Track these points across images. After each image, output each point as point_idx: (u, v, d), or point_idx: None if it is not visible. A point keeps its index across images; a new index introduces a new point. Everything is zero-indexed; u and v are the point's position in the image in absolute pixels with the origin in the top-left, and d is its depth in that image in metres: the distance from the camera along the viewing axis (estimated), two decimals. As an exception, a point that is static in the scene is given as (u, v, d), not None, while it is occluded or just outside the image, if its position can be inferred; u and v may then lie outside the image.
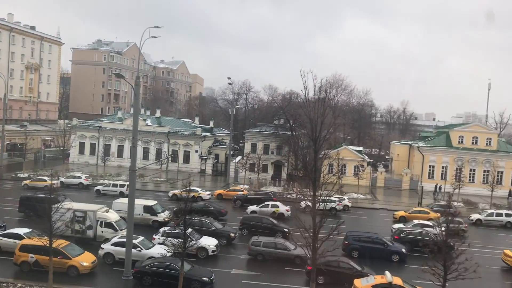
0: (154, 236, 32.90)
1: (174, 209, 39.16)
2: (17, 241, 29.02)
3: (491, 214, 49.91)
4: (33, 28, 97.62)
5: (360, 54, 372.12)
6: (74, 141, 79.75)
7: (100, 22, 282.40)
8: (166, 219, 39.33)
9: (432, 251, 21.65)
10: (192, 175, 66.02)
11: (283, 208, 46.25)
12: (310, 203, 42.14)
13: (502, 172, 71.60)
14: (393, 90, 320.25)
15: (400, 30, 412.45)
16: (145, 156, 78.11)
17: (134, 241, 29.56)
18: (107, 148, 78.59)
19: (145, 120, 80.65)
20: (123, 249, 28.27)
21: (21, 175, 61.94)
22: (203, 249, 32.00)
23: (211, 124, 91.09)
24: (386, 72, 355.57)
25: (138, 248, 29.44)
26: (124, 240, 29.39)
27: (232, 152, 74.42)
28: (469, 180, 71.55)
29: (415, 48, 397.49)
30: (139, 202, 40.16)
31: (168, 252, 29.18)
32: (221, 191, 57.11)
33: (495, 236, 44.80)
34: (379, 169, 76.89)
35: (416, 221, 42.48)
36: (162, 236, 31.59)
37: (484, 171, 72.46)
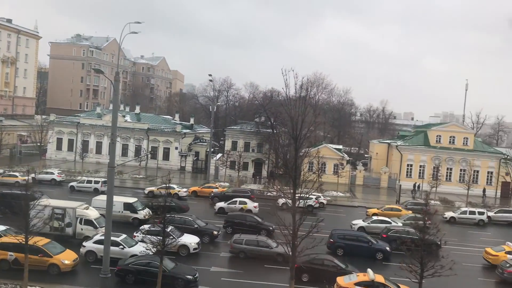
0: (135, 234, 32.60)
1: (149, 205, 39.19)
2: (-6, 239, 28.40)
3: (464, 212, 50.86)
4: (9, 21, 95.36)
5: (341, 53, 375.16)
6: (52, 137, 78.37)
7: (79, 16, 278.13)
8: (147, 217, 38.99)
9: (409, 249, 21.93)
10: (172, 172, 65.59)
11: (251, 205, 46.31)
12: (288, 201, 42.36)
13: (478, 171, 73.05)
14: (373, 89, 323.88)
15: (380, 29, 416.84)
16: (124, 152, 77.23)
17: (116, 239, 29.34)
18: (85, 144, 77.42)
19: (124, 116, 79.78)
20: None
21: (-4, 171, 60.59)
22: (185, 247, 31.85)
23: (192, 121, 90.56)
24: (366, 71, 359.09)
25: (121, 246, 29.13)
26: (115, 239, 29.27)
27: (212, 149, 74.19)
28: (446, 179, 72.79)
29: (395, 48, 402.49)
30: (119, 199, 39.82)
31: (147, 250, 28.90)
32: (196, 188, 56.72)
33: (471, 234, 45.68)
34: (358, 168, 77.63)
35: (374, 217, 43.39)
36: (142, 233, 31.31)
37: (461, 170, 73.80)
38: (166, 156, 78.19)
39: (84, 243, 29.91)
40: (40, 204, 26.65)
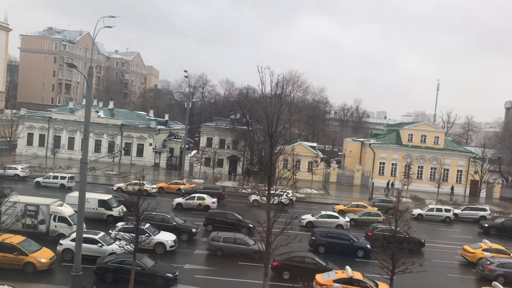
0: (110, 231, 32.18)
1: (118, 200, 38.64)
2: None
3: (431, 210, 52.02)
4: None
5: (316, 52, 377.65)
6: (22, 132, 76.62)
7: (51, 9, 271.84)
8: (122, 214, 38.54)
9: (382, 246, 22.34)
10: (146, 168, 65.13)
11: (209, 201, 46.40)
12: (259, 198, 42.68)
13: (448, 170, 74.81)
14: (347, 88, 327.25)
15: (354, 29, 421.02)
16: (97, 148, 76.19)
17: (94, 236, 29.00)
18: (57, 139, 76.07)
19: (97, 111, 78.64)
20: (84, 245, 27.64)
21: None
22: (161, 244, 31.66)
23: (166, 117, 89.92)
24: (340, 70, 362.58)
25: (99, 244, 28.74)
26: (85, 235, 28.79)
27: (187, 146, 73.81)
28: (417, 177, 74.30)
29: (369, 47, 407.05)
30: (94, 196, 39.41)
31: (120, 247, 28.57)
32: (162, 184, 56.27)
33: (441, 231, 46.76)
34: (332, 165, 78.49)
35: (323, 212, 44.00)
36: (119, 231, 30.92)
37: (432, 168, 75.43)
38: (140, 153, 77.43)
39: (61, 241, 29.36)
40: (10, 201, 25.99)
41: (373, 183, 66.81)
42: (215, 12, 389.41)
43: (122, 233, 26.82)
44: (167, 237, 32.37)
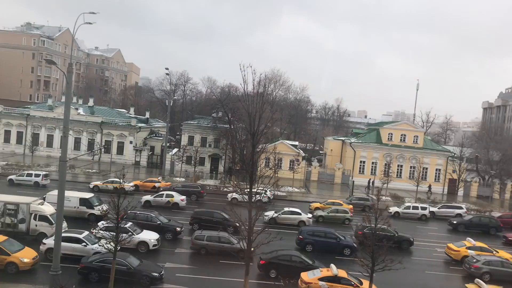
0: (92, 230, 31.78)
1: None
2: None
3: (408, 208, 52.85)
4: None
5: (298, 50, 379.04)
6: (-1, 129, 75.22)
7: (29, 4, 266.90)
8: (104, 212, 38.10)
9: (361, 243, 22.58)
10: (126, 167, 64.54)
11: (178, 198, 46.25)
12: (237, 196, 42.68)
13: (427, 168, 75.95)
14: (328, 87, 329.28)
15: (337, 28, 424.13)
16: (77, 146, 75.27)
17: (79, 235, 28.66)
18: (35, 137, 74.82)
19: (77, 109, 77.64)
20: (68, 244, 27.44)
21: None
22: (144, 243, 31.42)
23: (147, 115, 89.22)
24: (322, 69, 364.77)
25: (83, 243, 28.37)
26: (69, 234, 28.54)
27: (168, 144, 73.34)
28: (397, 175, 75.26)
29: (350, 47, 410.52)
30: (75, 195, 39.00)
31: (99, 246, 28.25)
32: (137, 182, 55.78)
33: (419, 228, 47.43)
34: (313, 164, 78.96)
35: (286, 208, 44.22)
36: (100, 230, 30.54)
37: (411, 167, 76.47)
38: (120, 151, 76.72)
39: (44, 240, 28.86)
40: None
41: (353, 181, 67.41)
42: (196, 9, 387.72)
43: (104, 232, 26.43)
44: (150, 236, 32.13)
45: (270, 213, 43.08)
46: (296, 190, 63.95)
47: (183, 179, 63.41)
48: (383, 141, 78.25)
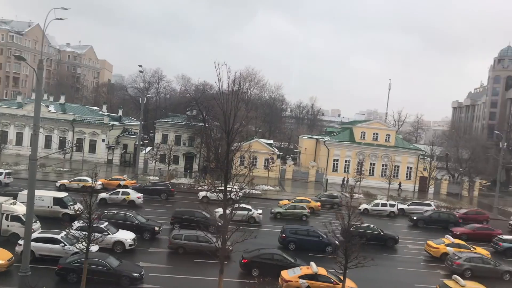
0: (67, 230, 31.11)
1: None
2: None
3: (377, 205, 53.79)
4: None
5: (273, 49, 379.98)
6: (-35, 127, 72.99)
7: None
8: (78, 212, 37.40)
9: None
10: (99, 165, 63.54)
11: (134, 196, 45.89)
12: (208, 194, 42.46)
13: (398, 166, 77.33)
14: (303, 86, 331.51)
15: (310, 27, 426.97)
16: (48, 144, 73.78)
17: (56, 236, 28.07)
18: (4, 135, 73.02)
19: (48, 106, 76.01)
20: (45, 245, 26.96)
21: None
22: (120, 243, 31.02)
23: (120, 112, 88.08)
24: (297, 68, 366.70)
25: (62, 244, 27.76)
26: (46, 235, 27.97)
27: (141, 142, 72.53)
28: (369, 173, 76.38)
29: (325, 47, 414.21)
30: (49, 194, 38.30)
31: (71, 246, 27.74)
32: (102, 180, 54.80)
33: (390, 225, 48.18)
34: (288, 162, 79.42)
35: (236, 205, 43.96)
36: (76, 230, 29.96)
37: (383, 165, 77.74)
38: (92, 149, 75.52)
39: (20, 241, 27.98)
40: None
41: (327, 179, 68.13)
42: (171, 6, 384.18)
43: (77, 231, 25.96)
44: (126, 236, 31.74)
45: (220, 210, 42.90)
46: (271, 188, 64.19)
47: (157, 178, 62.85)
48: (356, 139, 79.27)
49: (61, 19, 29.63)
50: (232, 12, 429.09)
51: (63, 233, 28.89)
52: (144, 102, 68.21)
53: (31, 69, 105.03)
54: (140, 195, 46.54)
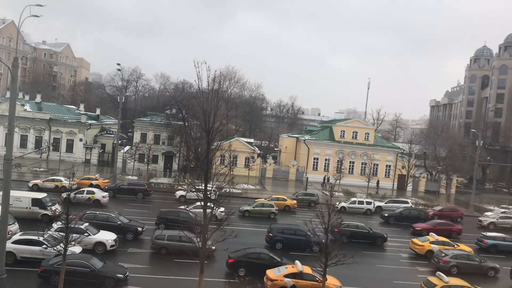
0: (47, 232, 30.41)
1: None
2: None
3: (353, 202, 54.43)
4: None
5: (253, 48, 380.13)
6: None
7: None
8: (57, 213, 36.63)
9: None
10: (76, 165, 62.58)
11: (99, 195, 45.51)
12: (184, 193, 41.97)
13: (377, 165, 78.12)
14: (283, 85, 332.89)
15: (291, 27, 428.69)
16: (23, 144, 72.37)
17: (39, 237, 27.50)
18: (-23, 134, 71.17)
19: (23, 105, 74.45)
20: (27, 247, 26.48)
21: None
22: (101, 244, 30.58)
23: (98, 111, 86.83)
24: (277, 67, 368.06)
25: (44, 245, 27.13)
26: (28, 237, 27.45)
27: (120, 141, 71.64)
28: (349, 171, 77.00)
29: (305, 46, 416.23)
30: (27, 195, 37.67)
31: (48, 247, 27.16)
32: (75, 180, 54.26)
33: (368, 223, 48.61)
34: (268, 161, 79.48)
35: (198, 203, 43.70)
36: (56, 231, 29.32)
37: (362, 163, 78.46)
38: (69, 148, 74.31)
39: None
40: None
41: (307, 178, 68.41)
42: (150, 4, 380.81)
43: (56, 233, 25.40)
44: (107, 237, 31.31)
45: (183, 207, 42.74)
46: (252, 187, 64.12)
47: (136, 178, 62.16)
48: (336, 138, 79.80)
49: (36, 16, 28.95)
50: (212, 11, 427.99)
51: (46, 234, 28.34)
52: (123, 100, 67.52)
53: (5, 67, 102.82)
54: (106, 194, 46.05)
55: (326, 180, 71.12)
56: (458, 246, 37.14)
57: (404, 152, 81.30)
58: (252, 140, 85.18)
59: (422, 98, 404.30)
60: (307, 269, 26.46)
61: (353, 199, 56.04)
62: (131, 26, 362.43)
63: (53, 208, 36.69)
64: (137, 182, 54.37)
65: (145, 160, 64.52)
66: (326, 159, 78.83)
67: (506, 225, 51.20)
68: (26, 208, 36.60)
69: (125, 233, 34.17)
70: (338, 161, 77.26)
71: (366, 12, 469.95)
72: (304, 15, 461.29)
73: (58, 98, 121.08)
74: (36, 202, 37.30)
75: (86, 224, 31.47)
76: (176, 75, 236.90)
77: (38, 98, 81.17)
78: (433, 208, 56.26)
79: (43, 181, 49.90)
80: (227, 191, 23.77)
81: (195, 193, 22.80)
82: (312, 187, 66.58)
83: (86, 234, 29.12)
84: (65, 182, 48.76)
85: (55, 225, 30.68)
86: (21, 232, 29.10)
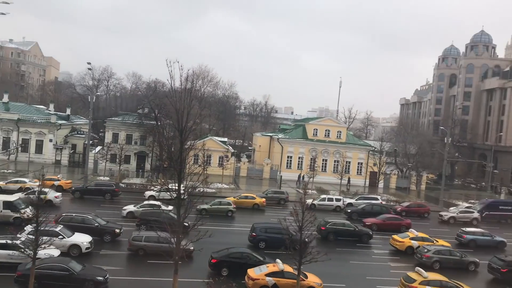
0: (18, 235, 29.61)
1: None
2: None
3: (323, 199, 55.05)
4: None
5: (226, 47, 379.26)
6: None
7: None
8: (30, 216, 35.66)
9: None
10: (46, 166, 61.28)
11: (51, 195, 44.16)
12: (155, 193, 41.81)
13: (349, 162, 79.09)
14: (257, 84, 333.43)
15: (263, 26, 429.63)
16: (-10, 145, 70.26)
17: (16, 241, 26.82)
18: None
19: (-11, 105, 72.39)
20: (1, 251, 26.14)
21: None
22: (76, 246, 30.05)
23: (68, 111, 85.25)
24: (250, 66, 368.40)
25: (22, 249, 26.42)
26: (3, 241, 26.98)
27: (91, 142, 70.44)
28: (322, 169, 77.72)
29: (277, 45, 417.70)
30: None
31: (22, 251, 26.46)
32: (36, 180, 53.19)
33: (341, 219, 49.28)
34: (242, 160, 79.51)
35: (146, 202, 43.80)
36: (28, 234, 28.55)
37: (335, 161, 79.36)
38: (39, 149, 72.66)
39: None
40: None
41: (281, 176, 68.75)
42: (121, 3, 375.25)
43: (27, 235, 24.79)
44: (82, 239, 30.79)
45: (129, 207, 42.47)
46: (226, 186, 63.99)
47: (108, 178, 61.25)
48: (309, 136, 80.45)
49: (3, 14, 28.29)
50: (185, 10, 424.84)
51: (22, 238, 27.63)
52: (93, 100, 66.24)
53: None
54: (59, 194, 45.08)
55: (301, 178, 71.62)
56: (437, 241, 38.00)
57: (376, 149, 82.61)
58: (226, 139, 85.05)
59: (392, 96, 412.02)
60: (288, 268, 26.55)
61: (322, 196, 56.75)
62: (102, 25, 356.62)
63: (22, 211, 35.84)
64: (105, 183, 53.67)
65: (117, 160, 63.66)
66: (299, 157, 79.40)
67: (466, 219, 53.09)
68: None
69: (103, 235, 33.71)
70: (311, 159, 77.94)
71: (337, 12, 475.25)
72: (275, 14, 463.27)
73: (26, 98, 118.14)
74: (7, 205, 36.44)
75: (61, 226, 30.94)
76: (148, 74, 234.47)
77: (6, 98, 79.02)
78: (401, 204, 57.50)
79: (6, 183, 48.66)
80: (201, 190, 23.60)
81: (168, 193, 22.67)
82: (286, 185, 66.96)
83: (60, 236, 28.54)
84: (30, 183, 47.79)
85: (28, 228, 29.97)
86: None
